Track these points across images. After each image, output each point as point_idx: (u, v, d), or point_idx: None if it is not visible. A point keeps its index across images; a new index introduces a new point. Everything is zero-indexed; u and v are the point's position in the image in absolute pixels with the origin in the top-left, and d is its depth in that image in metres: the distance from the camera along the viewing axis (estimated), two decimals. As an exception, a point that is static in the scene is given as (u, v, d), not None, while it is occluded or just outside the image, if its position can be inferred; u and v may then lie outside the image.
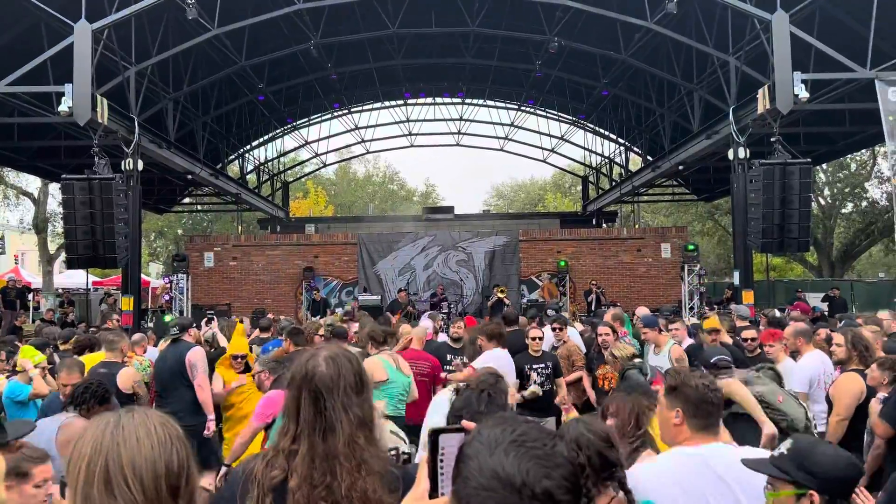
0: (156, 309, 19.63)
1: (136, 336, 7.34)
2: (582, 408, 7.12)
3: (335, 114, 27.80)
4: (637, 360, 5.43)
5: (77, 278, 23.81)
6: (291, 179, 32.69)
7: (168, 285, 17.03)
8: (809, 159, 12.80)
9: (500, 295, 17.47)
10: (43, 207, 29.18)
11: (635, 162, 25.67)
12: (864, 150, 26.82)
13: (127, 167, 13.01)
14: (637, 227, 28.32)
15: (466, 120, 29.24)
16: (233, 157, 25.98)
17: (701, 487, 2.45)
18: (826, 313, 15.29)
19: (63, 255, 22.59)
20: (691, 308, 15.95)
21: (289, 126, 27.23)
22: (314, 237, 22.23)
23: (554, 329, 7.92)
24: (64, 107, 11.52)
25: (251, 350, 7.40)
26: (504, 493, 1.03)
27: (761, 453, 2.50)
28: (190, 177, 18.55)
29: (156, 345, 8.10)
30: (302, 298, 19.78)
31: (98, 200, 11.51)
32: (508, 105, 27.72)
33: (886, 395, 4.34)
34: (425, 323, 7.68)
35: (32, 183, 29.57)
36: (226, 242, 21.53)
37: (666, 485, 2.47)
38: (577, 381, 7.24)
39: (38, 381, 5.45)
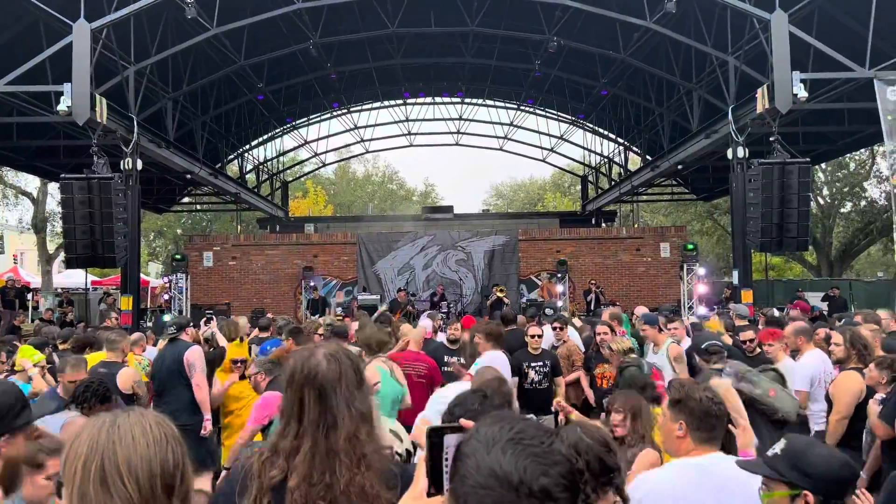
0: (155, 308, 19.62)
1: (135, 335, 7.33)
2: (581, 407, 7.12)
3: (334, 113, 27.79)
4: (633, 356, 5.44)
5: (76, 278, 23.80)
6: (291, 179, 32.66)
7: (167, 285, 17.04)
8: (808, 159, 12.79)
9: (499, 294, 17.48)
10: (42, 207, 29.17)
11: (634, 161, 25.67)
12: (862, 150, 26.82)
13: (126, 167, 13.00)
14: (636, 226, 28.34)
15: (466, 119, 29.23)
16: (232, 156, 25.97)
17: (700, 498, 2.46)
18: (826, 313, 15.30)
19: (62, 255, 22.59)
20: (690, 307, 15.96)
21: (288, 125, 27.21)
22: (313, 237, 22.24)
23: (554, 328, 7.93)
24: (63, 106, 11.50)
25: (249, 352, 7.39)
26: (501, 490, 1.03)
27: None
28: (189, 176, 18.54)
29: (155, 344, 8.10)
30: (301, 298, 19.78)
31: (97, 200, 11.49)
32: (508, 105, 27.72)
33: (885, 396, 4.34)
34: (424, 322, 7.67)
35: (31, 182, 29.58)
36: (225, 242, 21.54)
37: (663, 497, 2.48)
38: (576, 381, 7.25)
39: (37, 380, 5.45)
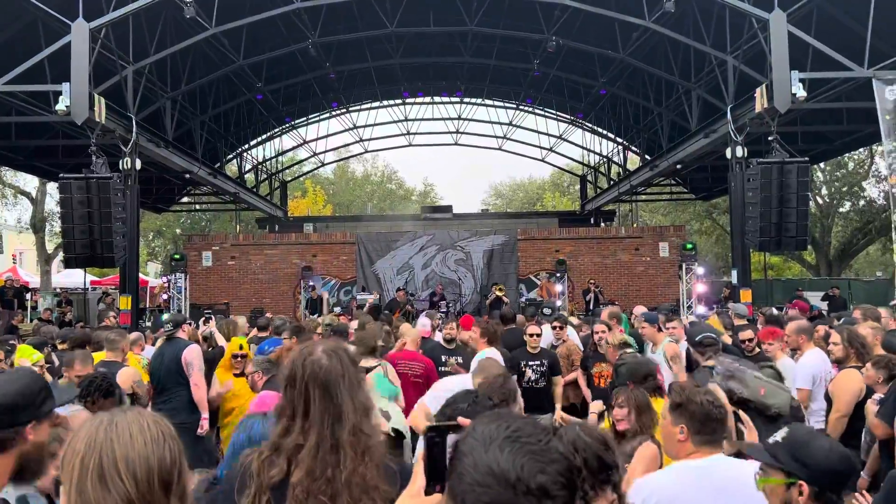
0: (154, 308, 19.62)
1: (134, 335, 7.34)
2: (581, 406, 7.13)
3: (333, 113, 27.78)
4: (630, 350, 5.45)
5: (75, 278, 23.78)
6: (290, 179, 32.67)
7: (166, 285, 17.03)
8: (807, 158, 12.80)
9: (498, 293, 17.48)
10: (41, 207, 29.17)
11: (633, 161, 25.68)
12: (861, 149, 26.83)
13: (125, 166, 12.99)
14: (635, 226, 28.36)
15: (465, 119, 29.23)
16: (231, 156, 25.96)
17: (701, 500, 2.47)
18: (826, 312, 15.29)
19: (61, 255, 22.60)
20: (689, 307, 15.97)
21: (287, 125, 27.20)
22: (312, 236, 22.24)
23: (554, 328, 7.94)
24: (61, 106, 11.49)
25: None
26: (499, 488, 1.03)
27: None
28: (188, 176, 18.53)
29: (154, 343, 8.09)
30: (300, 298, 19.78)
31: (96, 200, 11.47)
32: (507, 104, 27.72)
33: (883, 396, 4.34)
34: (423, 322, 7.67)
35: (30, 182, 29.59)
36: (224, 242, 21.53)
37: (664, 500, 2.49)
38: (575, 381, 7.25)
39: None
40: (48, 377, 5.64)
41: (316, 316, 14.23)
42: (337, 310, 16.49)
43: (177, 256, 16.76)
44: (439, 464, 1.24)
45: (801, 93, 11.76)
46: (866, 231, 30.47)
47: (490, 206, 50.27)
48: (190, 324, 8.09)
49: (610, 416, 3.65)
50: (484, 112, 28.86)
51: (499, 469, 1.05)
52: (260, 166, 28.07)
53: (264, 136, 27.28)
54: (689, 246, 17.31)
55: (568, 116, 26.71)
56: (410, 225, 24.10)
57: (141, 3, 12.12)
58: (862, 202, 31.67)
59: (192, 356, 6.32)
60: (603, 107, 23.81)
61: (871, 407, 4.39)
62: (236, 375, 6.28)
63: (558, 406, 6.70)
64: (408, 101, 27.43)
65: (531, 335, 6.79)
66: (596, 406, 4.37)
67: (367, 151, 32.66)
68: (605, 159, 27.40)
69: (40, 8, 11.84)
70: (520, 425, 1.11)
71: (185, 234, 32.55)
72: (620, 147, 26.00)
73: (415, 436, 4.24)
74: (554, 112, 27.22)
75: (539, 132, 28.89)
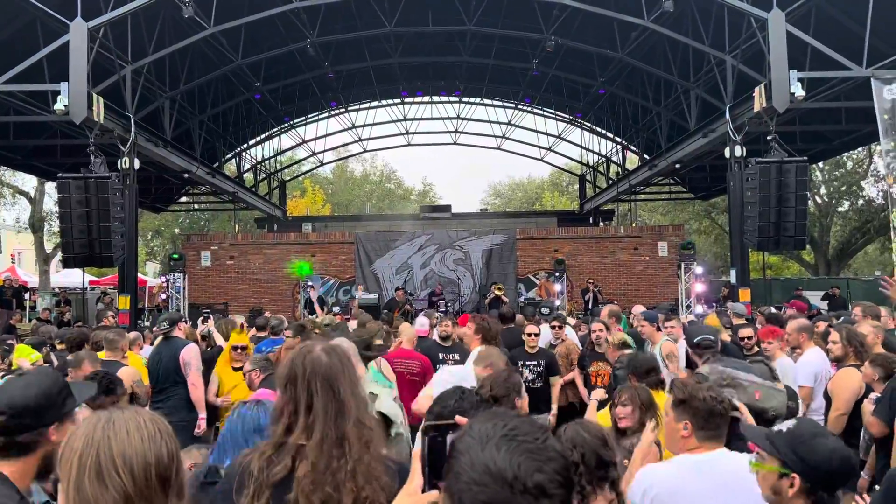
0: (152, 308, 19.59)
1: (132, 335, 7.33)
2: (579, 406, 7.13)
3: (332, 112, 27.77)
4: (628, 351, 5.45)
5: (73, 277, 23.76)
6: (288, 178, 32.65)
7: (165, 284, 17.01)
8: (806, 157, 12.81)
9: (497, 292, 17.47)
10: (39, 206, 29.14)
11: (632, 160, 25.68)
12: (860, 149, 26.83)
13: (123, 166, 12.97)
14: (634, 225, 28.35)
15: (464, 118, 29.23)
16: (230, 155, 25.93)
17: (702, 492, 2.47)
18: (825, 312, 15.28)
19: (59, 255, 22.55)
20: (688, 306, 15.96)
21: (286, 125, 27.18)
22: (311, 236, 22.22)
23: (552, 327, 7.93)
24: (60, 105, 11.47)
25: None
26: (496, 487, 1.03)
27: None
28: (186, 175, 18.52)
29: (152, 343, 8.08)
30: (299, 297, 19.77)
31: (94, 199, 11.45)
32: (505, 104, 27.72)
33: (879, 395, 4.34)
34: (421, 321, 7.67)
35: (29, 182, 29.56)
36: (223, 241, 21.52)
37: (665, 492, 2.49)
38: (573, 380, 7.25)
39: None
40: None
41: (315, 317, 14.21)
42: (336, 309, 16.47)
43: (175, 256, 16.74)
44: (440, 462, 1.25)
45: (799, 92, 11.76)
46: (865, 230, 30.49)
47: (489, 206, 50.27)
48: (186, 322, 8.09)
49: (612, 413, 3.65)
50: (483, 111, 28.87)
51: (495, 468, 1.04)
52: (258, 166, 28.06)
53: (263, 136, 27.27)
54: (688, 245, 17.30)
55: (567, 116, 26.71)
56: (409, 224, 24.08)
57: (139, 2, 12.10)
58: (860, 201, 31.69)
59: (190, 356, 6.32)
60: (602, 106, 23.81)
61: (868, 406, 4.39)
62: (236, 369, 6.28)
63: (554, 407, 6.70)
64: (406, 100, 27.43)
65: (529, 335, 6.79)
66: (597, 394, 4.37)
67: (365, 151, 32.67)
68: (603, 159, 27.40)
69: (39, 7, 11.83)
70: (517, 424, 1.11)
71: (183, 234, 32.53)
72: (619, 146, 26.01)
73: (412, 430, 4.24)
74: (553, 111, 27.22)
75: (538, 132, 28.90)
